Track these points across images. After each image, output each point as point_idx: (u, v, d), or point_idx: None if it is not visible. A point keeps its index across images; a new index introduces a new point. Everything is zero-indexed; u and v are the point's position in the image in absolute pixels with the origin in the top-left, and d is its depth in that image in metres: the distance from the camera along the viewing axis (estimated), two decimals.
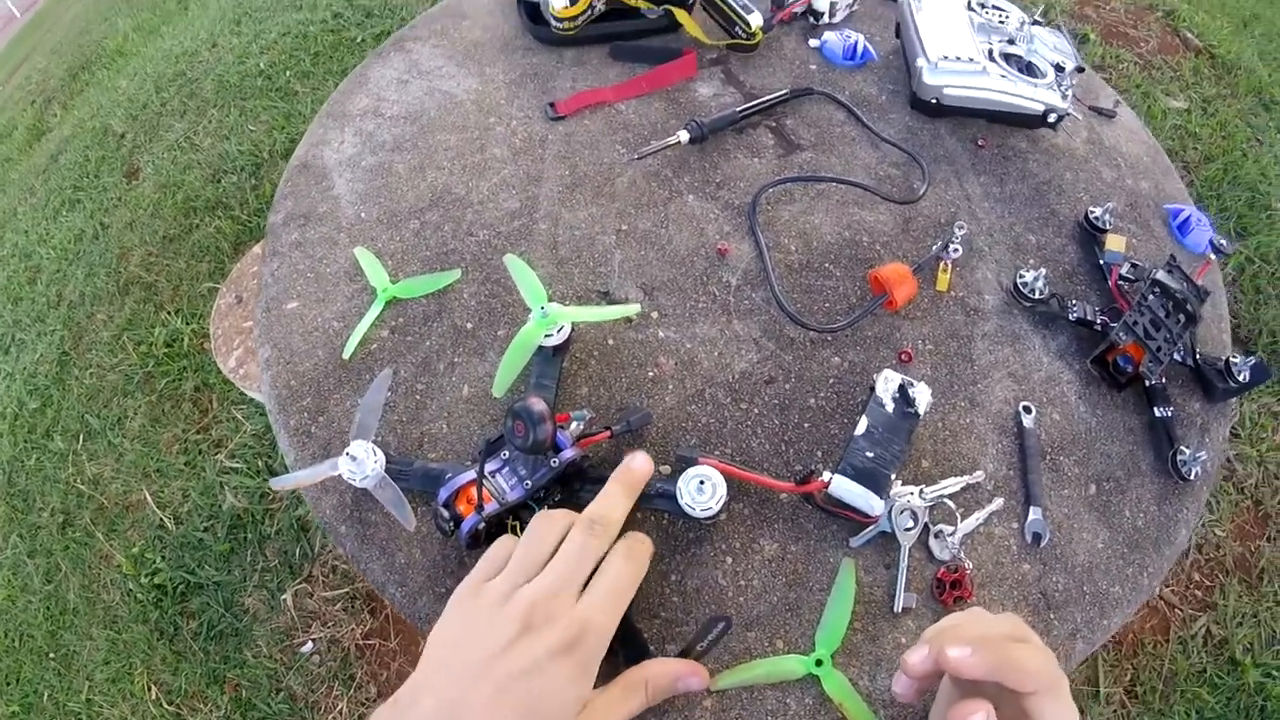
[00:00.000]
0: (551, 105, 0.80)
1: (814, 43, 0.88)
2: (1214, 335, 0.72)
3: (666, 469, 0.58)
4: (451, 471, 0.54)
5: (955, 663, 0.37)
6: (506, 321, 0.66)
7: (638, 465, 0.51)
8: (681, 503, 0.52)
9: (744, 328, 0.66)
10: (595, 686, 0.43)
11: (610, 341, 0.65)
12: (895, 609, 0.54)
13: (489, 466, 0.53)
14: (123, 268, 1.98)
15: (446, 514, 0.51)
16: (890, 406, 0.57)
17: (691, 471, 0.52)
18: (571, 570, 0.44)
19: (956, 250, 0.70)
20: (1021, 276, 0.68)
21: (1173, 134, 2.08)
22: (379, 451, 0.56)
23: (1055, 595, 0.56)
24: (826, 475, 0.54)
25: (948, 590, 0.54)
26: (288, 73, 2.30)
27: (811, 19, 0.90)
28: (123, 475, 1.66)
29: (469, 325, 0.66)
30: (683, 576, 0.54)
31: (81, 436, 1.75)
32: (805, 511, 0.57)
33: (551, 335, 0.60)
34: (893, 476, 0.55)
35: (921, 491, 0.57)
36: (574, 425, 0.55)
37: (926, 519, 0.56)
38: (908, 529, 0.55)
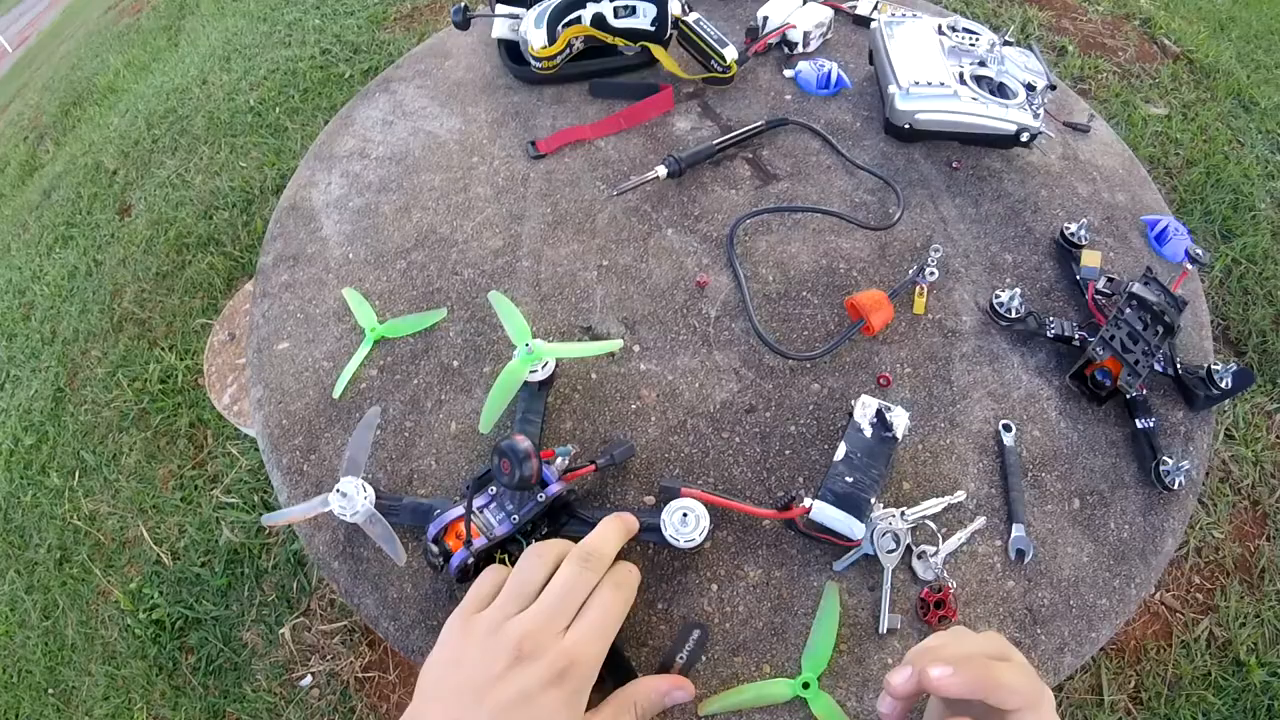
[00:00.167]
0: (533, 144, 0.82)
1: (789, 73, 0.90)
2: (1195, 343, 0.72)
3: (650, 500, 0.59)
4: (440, 507, 0.55)
5: (936, 682, 0.38)
6: (492, 359, 0.67)
7: (631, 517, 0.53)
8: (666, 534, 0.53)
9: (724, 358, 0.67)
10: (586, 711, 0.43)
11: (593, 376, 0.66)
12: (880, 630, 0.54)
13: (477, 502, 0.54)
14: (116, 304, 1.99)
15: (436, 549, 0.52)
16: (868, 431, 0.58)
17: (674, 504, 0.53)
18: (562, 602, 0.45)
19: (933, 273, 0.71)
20: (997, 296, 0.69)
21: (1154, 141, 2.11)
22: (369, 488, 0.57)
23: (1041, 610, 0.57)
24: (807, 501, 0.55)
25: (932, 610, 0.55)
26: (277, 109, 2.33)
27: (786, 49, 0.91)
28: (119, 511, 1.66)
29: (455, 363, 0.67)
30: (669, 605, 0.55)
31: (77, 472, 1.75)
32: (788, 537, 0.58)
33: (536, 371, 0.61)
34: (873, 500, 0.56)
35: (903, 513, 0.58)
36: (559, 460, 0.56)
37: (909, 540, 0.57)
38: (890, 551, 0.56)
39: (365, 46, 2.46)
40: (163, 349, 1.85)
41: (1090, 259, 0.73)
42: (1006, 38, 0.85)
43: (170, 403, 1.76)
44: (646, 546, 0.57)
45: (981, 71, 0.82)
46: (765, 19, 0.90)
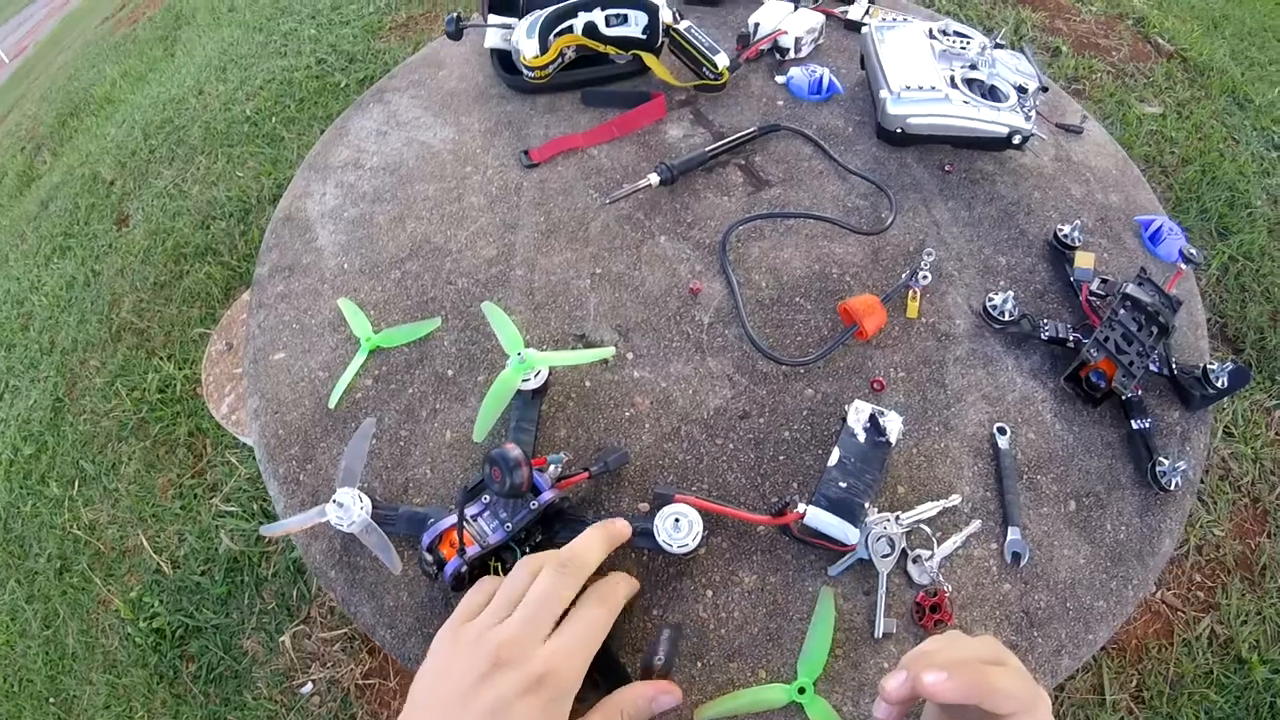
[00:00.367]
0: (526, 153, 0.82)
1: (780, 79, 0.90)
2: (1190, 343, 0.72)
3: (644, 507, 0.59)
4: (435, 516, 0.55)
5: (930, 688, 0.38)
6: (486, 367, 0.67)
7: (620, 523, 0.53)
8: (659, 540, 0.53)
9: (717, 365, 0.68)
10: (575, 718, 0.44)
11: (587, 383, 0.66)
12: (876, 635, 0.54)
13: (470, 510, 0.54)
14: (114, 314, 2.00)
15: (430, 558, 0.53)
16: (862, 436, 0.59)
17: (668, 510, 0.54)
18: (538, 609, 0.45)
19: (926, 277, 0.71)
20: (991, 299, 0.69)
21: (1149, 140, 2.11)
22: (365, 498, 0.58)
23: (1038, 613, 0.57)
24: (802, 507, 0.55)
25: (927, 614, 0.55)
26: (273, 119, 2.33)
27: (777, 55, 0.92)
28: (119, 520, 1.66)
29: (450, 372, 0.67)
30: (665, 611, 0.55)
31: (77, 482, 1.76)
32: (783, 543, 0.58)
33: (529, 380, 0.61)
34: (867, 505, 0.56)
35: (898, 518, 0.58)
36: (551, 468, 0.57)
37: (904, 545, 0.57)
38: (885, 555, 0.56)
39: (360, 56, 2.47)
40: (161, 358, 1.86)
41: (1084, 260, 0.73)
42: (998, 40, 0.85)
43: (169, 412, 1.76)
44: (641, 553, 0.57)
45: (973, 74, 0.82)
46: (756, 25, 0.91)
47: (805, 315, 0.71)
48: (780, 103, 0.88)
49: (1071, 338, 0.67)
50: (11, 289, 2.31)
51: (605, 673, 0.51)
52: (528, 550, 0.54)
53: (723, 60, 0.84)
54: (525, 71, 0.85)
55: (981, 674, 0.38)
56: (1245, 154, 2.10)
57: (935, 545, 0.58)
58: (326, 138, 0.87)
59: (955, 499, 0.60)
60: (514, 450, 0.50)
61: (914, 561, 0.57)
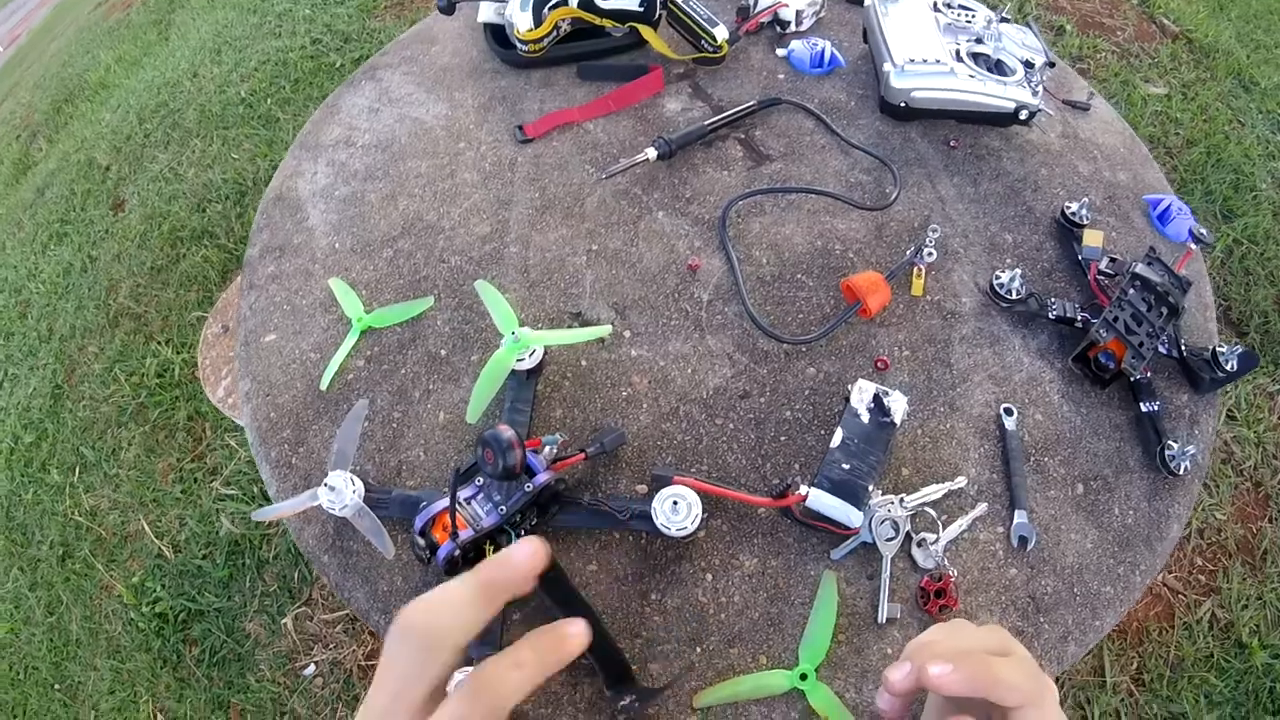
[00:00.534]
0: (520, 128, 0.80)
1: (781, 52, 0.88)
2: (1199, 325, 0.71)
3: (643, 489, 0.58)
4: (428, 499, 0.54)
5: (935, 680, 0.37)
6: (480, 347, 0.66)
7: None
8: (657, 523, 0.52)
9: (717, 343, 0.66)
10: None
11: (583, 363, 0.65)
12: (879, 620, 0.53)
13: (464, 493, 0.53)
14: (112, 300, 1.98)
15: (422, 542, 0.51)
16: (866, 417, 0.57)
17: (666, 492, 0.52)
18: None
19: (931, 254, 0.69)
20: (998, 277, 0.68)
21: (1154, 120, 2.08)
22: (357, 481, 0.56)
23: (1045, 598, 0.56)
24: (804, 489, 0.54)
25: (932, 599, 0.54)
26: (269, 100, 2.30)
27: (778, 28, 0.90)
28: (120, 506, 1.66)
29: (443, 352, 0.66)
30: (663, 595, 0.54)
31: (78, 468, 1.75)
32: (784, 525, 0.57)
33: (524, 359, 0.60)
34: (871, 487, 0.55)
35: (902, 500, 0.57)
36: (546, 449, 0.55)
37: (908, 528, 0.56)
38: (889, 539, 0.55)
39: (356, 35, 2.43)
40: (159, 343, 1.84)
41: (1092, 239, 0.71)
42: (1003, 14, 0.83)
43: (168, 396, 1.75)
44: (639, 536, 0.56)
45: (978, 49, 0.80)
46: None
47: (807, 292, 0.69)
48: (781, 76, 0.87)
49: (1079, 317, 0.66)
50: (9, 277, 2.30)
51: (603, 661, 0.50)
52: (523, 533, 0.53)
53: (721, 33, 0.82)
54: (519, 46, 0.83)
55: (987, 666, 0.37)
56: (1250, 137, 2.07)
57: (941, 529, 0.57)
58: (317, 116, 0.85)
59: (961, 481, 0.59)
60: (507, 431, 0.49)
61: (919, 545, 0.56)
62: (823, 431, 0.61)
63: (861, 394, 0.58)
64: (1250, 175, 1.96)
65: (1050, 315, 0.66)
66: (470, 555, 0.51)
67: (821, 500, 0.53)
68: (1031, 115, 0.77)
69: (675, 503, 0.52)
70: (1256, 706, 1.29)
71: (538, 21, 0.80)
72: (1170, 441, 0.61)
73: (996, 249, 0.73)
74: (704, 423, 0.62)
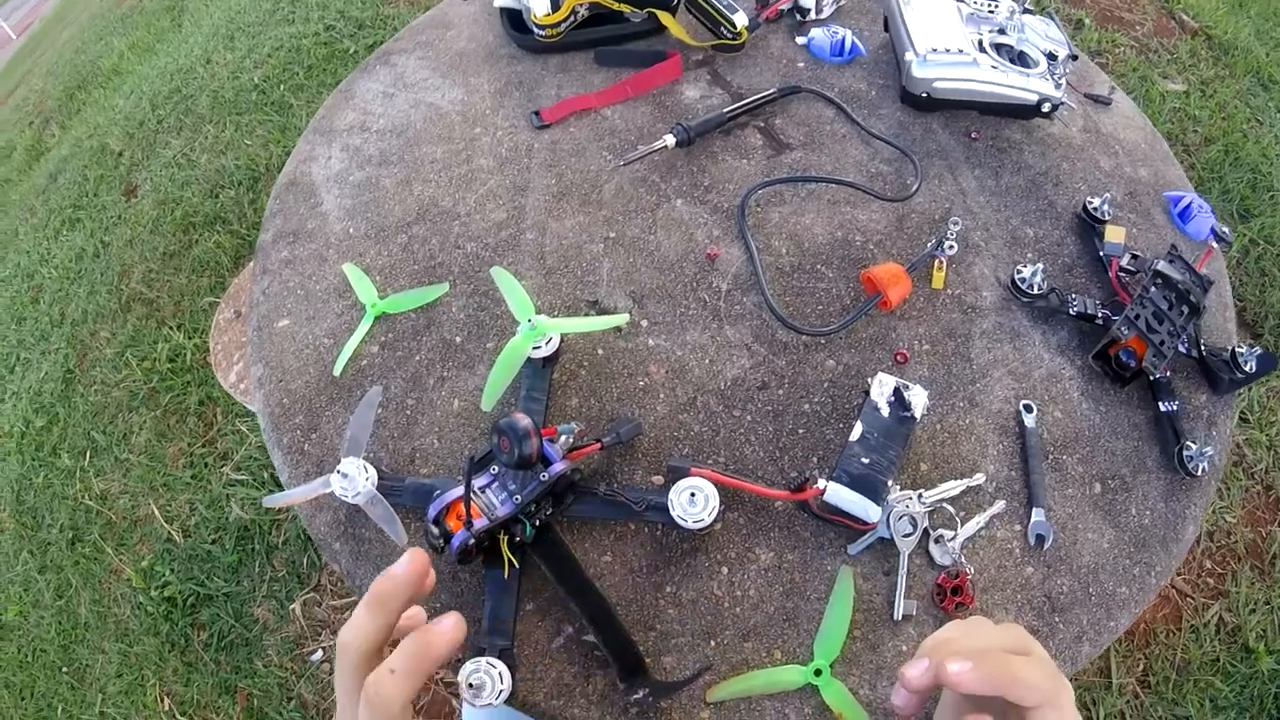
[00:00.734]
0: (537, 114, 0.80)
1: (801, 40, 0.87)
2: (1219, 325, 0.70)
3: (659, 480, 0.57)
4: (441, 487, 0.54)
5: (954, 678, 0.36)
6: (495, 334, 0.65)
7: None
8: (674, 515, 0.51)
9: (735, 333, 0.66)
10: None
11: (600, 351, 0.65)
12: (895, 616, 0.53)
13: (479, 482, 0.52)
14: (124, 285, 1.99)
15: (436, 530, 0.51)
16: (886, 411, 0.57)
17: (683, 483, 0.52)
18: None
19: (952, 247, 0.69)
20: (1019, 271, 0.67)
21: (1172, 117, 2.06)
22: (370, 468, 0.56)
23: (1060, 598, 0.55)
24: (822, 483, 0.53)
25: (949, 596, 0.53)
26: (282, 86, 2.30)
27: (798, 16, 0.89)
28: (130, 490, 1.67)
29: (458, 339, 0.66)
30: (678, 588, 0.54)
31: (88, 453, 1.76)
32: (801, 519, 0.56)
33: (540, 347, 0.59)
34: (890, 482, 0.54)
35: (920, 496, 0.56)
36: (562, 438, 0.55)
37: (926, 524, 0.55)
38: (906, 535, 0.55)
39: (369, 22, 2.42)
40: (171, 328, 1.85)
41: (1114, 234, 0.71)
42: (1026, 5, 0.82)
43: (179, 381, 1.75)
44: (655, 527, 0.56)
45: (1001, 39, 0.79)
46: None
47: (827, 284, 0.68)
48: (801, 64, 0.86)
49: (1100, 314, 0.65)
50: (22, 262, 2.31)
51: (616, 653, 0.49)
52: (537, 524, 0.53)
53: (741, 20, 0.82)
54: (536, 30, 0.82)
55: (1006, 664, 0.36)
56: (1269, 136, 2.05)
57: (958, 525, 0.56)
58: (331, 101, 0.85)
59: (979, 478, 0.58)
60: (523, 420, 0.48)
61: (936, 542, 0.55)
62: (841, 425, 0.60)
63: (882, 387, 0.57)
64: (1268, 175, 1.94)
65: (1071, 311, 0.65)
66: (485, 544, 0.51)
67: (840, 495, 0.53)
68: (1054, 108, 0.76)
69: (693, 494, 0.51)
70: (1261, 713, 1.29)
71: (555, 6, 0.79)
72: (1189, 442, 0.60)
73: (1018, 243, 0.72)
74: (721, 414, 0.61)
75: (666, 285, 0.68)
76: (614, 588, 0.54)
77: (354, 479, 0.55)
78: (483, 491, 0.52)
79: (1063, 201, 0.75)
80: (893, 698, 0.44)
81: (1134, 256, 0.69)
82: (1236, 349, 0.64)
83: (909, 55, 0.77)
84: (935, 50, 0.76)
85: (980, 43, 0.77)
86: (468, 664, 0.48)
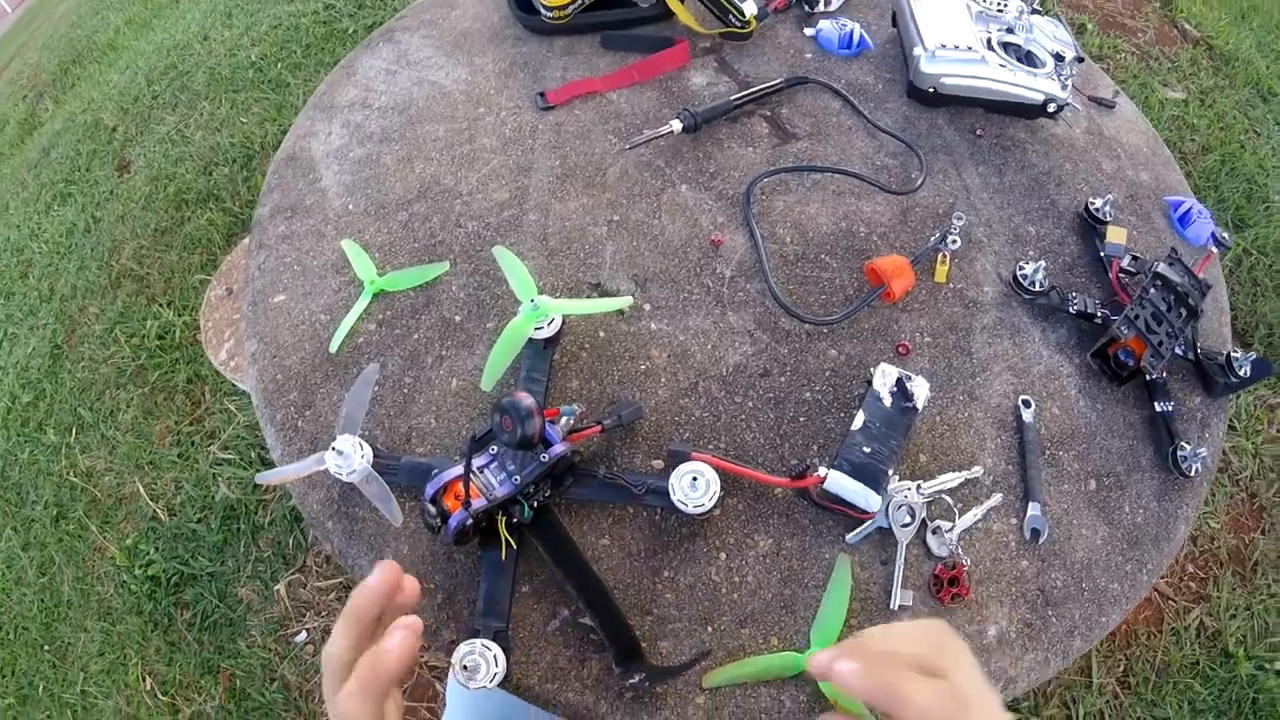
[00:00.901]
0: (542, 95, 0.79)
1: (809, 31, 0.87)
2: (1215, 329, 0.71)
3: (659, 464, 0.57)
4: (439, 467, 0.53)
5: (839, 676, 0.35)
6: (496, 314, 0.65)
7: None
8: (674, 499, 0.51)
9: (738, 320, 0.65)
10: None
11: (601, 334, 0.64)
12: (892, 606, 0.53)
13: (478, 461, 0.52)
14: (114, 261, 1.96)
15: (433, 510, 0.50)
16: (888, 401, 0.57)
17: (684, 468, 0.52)
18: None
19: (955, 241, 0.69)
20: (1021, 268, 0.67)
21: (1170, 125, 2.07)
22: (366, 446, 0.55)
23: (1054, 592, 0.55)
24: (822, 470, 0.53)
25: (945, 587, 0.54)
26: (279, 65, 2.27)
27: (807, 7, 0.89)
28: (116, 467, 1.65)
29: (458, 318, 0.65)
30: (675, 573, 0.54)
31: (74, 429, 1.74)
32: (801, 507, 0.56)
33: (542, 328, 0.59)
34: (890, 472, 0.54)
35: (919, 487, 0.56)
36: (564, 420, 0.55)
37: (924, 515, 0.55)
38: (905, 525, 0.55)
39: (369, 1, 2.40)
40: (161, 305, 1.83)
41: (1115, 235, 0.71)
42: (1035, 5, 0.82)
43: (168, 359, 1.74)
44: (654, 512, 0.55)
45: (1009, 38, 0.79)
46: None
47: (830, 273, 0.68)
48: (808, 55, 0.85)
49: (1100, 313, 0.66)
50: (11, 236, 2.27)
51: (613, 637, 0.49)
52: (535, 505, 0.52)
53: (750, 8, 0.81)
54: (543, 12, 0.81)
55: (897, 679, 0.34)
56: (1266, 148, 2.07)
57: (956, 517, 0.56)
58: (333, 77, 0.84)
59: (977, 470, 0.58)
60: (526, 399, 0.48)
61: (933, 533, 0.55)
62: (841, 414, 0.60)
63: (885, 377, 0.57)
64: (1263, 186, 1.96)
65: (1071, 309, 0.66)
66: (482, 525, 0.51)
67: (840, 483, 0.53)
68: (1059, 109, 0.76)
69: (694, 479, 0.51)
70: (1239, 717, 1.30)
71: None
72: (1183, 443, 0.61)
73: (1020, 240, 0.72)
74: (723, 400, 0.61)
75: (670, 270, 0.68)
76: (611, 571, 0.54)
77: (349, 456, 0.54)
78: (481, 471, 0.51)
79: (1065, 201, 0.76)
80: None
81: (1134, 258, 0.69)
82: (1232, 353, 0.65)
83: (918, 50, 0.77)
84: (944, 46, 0.76)
85: (989, 41, 0.77)
86: (462, 645, 0.48)
